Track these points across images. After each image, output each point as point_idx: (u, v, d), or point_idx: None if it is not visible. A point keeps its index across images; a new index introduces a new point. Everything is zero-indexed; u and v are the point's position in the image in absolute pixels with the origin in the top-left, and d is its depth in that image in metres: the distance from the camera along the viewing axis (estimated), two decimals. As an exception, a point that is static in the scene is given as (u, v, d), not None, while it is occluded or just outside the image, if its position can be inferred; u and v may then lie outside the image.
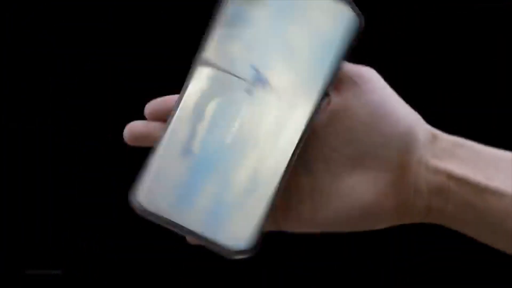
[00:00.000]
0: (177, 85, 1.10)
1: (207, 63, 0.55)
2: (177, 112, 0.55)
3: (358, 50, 1.11)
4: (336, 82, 0.54)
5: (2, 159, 1.11)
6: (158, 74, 1.10)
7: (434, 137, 0.54)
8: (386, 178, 0.51)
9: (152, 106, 0.57)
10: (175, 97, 0.57)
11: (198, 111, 0.55)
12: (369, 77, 0.54)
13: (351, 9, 0.55)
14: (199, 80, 0.55)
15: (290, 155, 0.51)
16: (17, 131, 1.10)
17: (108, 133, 1.10)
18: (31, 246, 1.11)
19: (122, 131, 1.10)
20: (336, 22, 0.55)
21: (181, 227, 0.53)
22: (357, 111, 0.52)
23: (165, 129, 0.55)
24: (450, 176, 0.52)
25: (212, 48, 0.55)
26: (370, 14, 1.12)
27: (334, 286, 1.08)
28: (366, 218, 0.52)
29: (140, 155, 1.11)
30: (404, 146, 0.52)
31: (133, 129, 0.55)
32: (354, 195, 0.51)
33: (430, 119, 1.11)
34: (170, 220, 0.52)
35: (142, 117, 1.11)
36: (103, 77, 1.11)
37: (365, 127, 0.51)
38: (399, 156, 0.51)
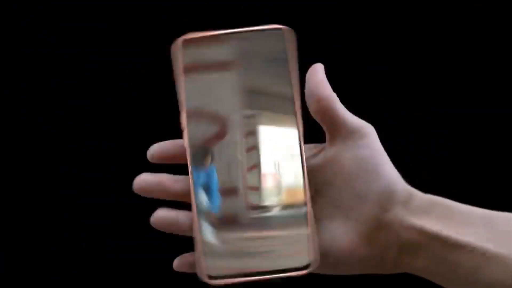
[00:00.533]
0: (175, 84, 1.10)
1: (195, 111, 0.59)
2: (193, 175, 0.59)
3: (359, 52, 1.12)
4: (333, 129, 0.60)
5: (2, 159, 1.11)
6: (158, 74, 1.10)
7: (411, 196, 0.57)
8: (361, 229, 0.55)
9: (155, 151, 0.59)
10: (175, 142, 0.61)
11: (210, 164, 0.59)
12: (366, 133, 0.58)
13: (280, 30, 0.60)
14: (196, 126, 0.60)
15: (302, 177, 0.57)
16: (17, 131, 1.11)
17: (108, 133, 1.10)
18: (31, 246, 1.11)
19: (122, 131, 1.11)
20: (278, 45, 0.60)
21: (254, 273, 0.59)
22: (345, 162, 0.56)
23: (192, 201, 0.60)
24: (422, 232, 0.55)
25: (193, 100, 0.61)
26: (371, 14, 1.12)
27: (334, 286, 1.09)
28: (339, 264, 0.57)
29: (139, 156, 1.11)
30: (381, 201, 0.55)
31: (141, 182, 0.58)
32: (330, 240, 0.56)
33: (430, 119, 1.11)
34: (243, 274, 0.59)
35: (140, 117, 1.11)
36: (103, 77, 1.11)
37: (349, 178, 0.56)
38: (375, 210, 0.55)
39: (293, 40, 0.59)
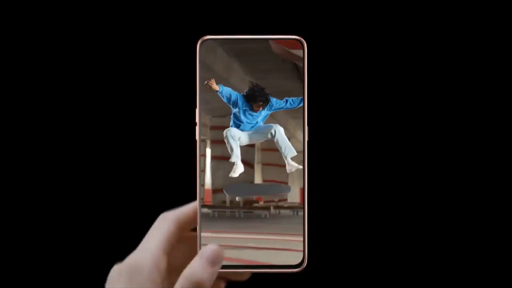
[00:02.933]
0: (176, 84, 1.11)
1: None
2: None
3: (359, 52, 1.12)
4: None
5: (2, 159, 1.11)
6: (158, 74, 1.10)
7: None
8: None
9: None
10: None
11: None
12: None
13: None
14: None
15: (302, 182, 0.61)
16: (17, 131, 1.11)
17: (108, 133, 1.11)
18: (31, 247, 1.11)
19: (122, 131, 1.11)
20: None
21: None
22: None
23: (197, 194, 0.66)
24: None
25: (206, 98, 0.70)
26: (371, 14, 1.12)
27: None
28: None
29: (140, 157, 1.11)
30: None
31: None
32: None
33: (429, 122, 1.11)
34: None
35: (140, 117, 1.11)
36: (103, 77, 1.11)
37: None
38: None
39: (305, 50, 0.64)
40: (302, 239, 0.62)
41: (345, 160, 1.08)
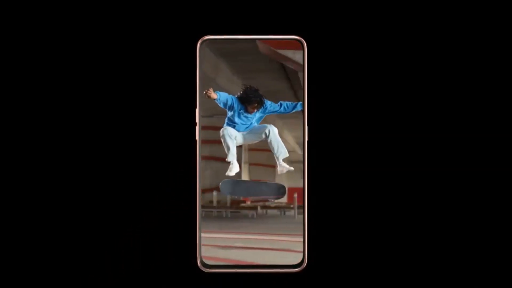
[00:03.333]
0: (176, 85, 1.10)
1: None
2: None
3: (359, 52, 1.12)
4: None
5: (2, 159, 1.11)
6: (158, 74, 1.10)
7: None
8: None
9: None
10: None
11: None
12: None
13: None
14: None
15: (302, 181, 0.62)
16: (17, 131, 1.11)
17: (107, 133, 1.11)
18: (29, 247, 1.11)
19: (121, 131, 1.11)
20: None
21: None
22: None
23: (197, 195, 0.66)
24: None
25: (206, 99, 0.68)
26: (371, 14, 1.12)
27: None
28: None
29: (139, 157, 1.11)
30: None
31: None
32: None
33: (429, 121, 1.11)
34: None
35: (140, 117, 1.11)
36: (103, 77, 1.11)
37: None
38: None
39: (305, 50, 0.63)
40: (301, 239, 0.62)
41: (344, 160, 1.08)
